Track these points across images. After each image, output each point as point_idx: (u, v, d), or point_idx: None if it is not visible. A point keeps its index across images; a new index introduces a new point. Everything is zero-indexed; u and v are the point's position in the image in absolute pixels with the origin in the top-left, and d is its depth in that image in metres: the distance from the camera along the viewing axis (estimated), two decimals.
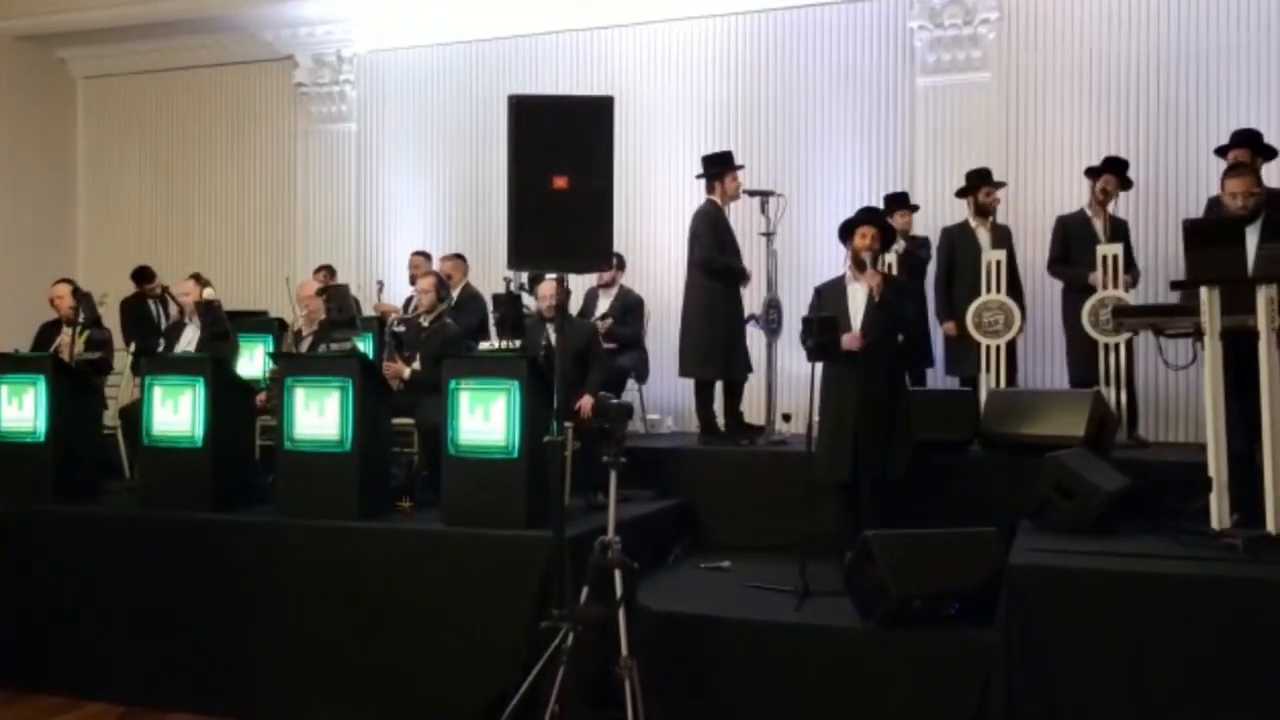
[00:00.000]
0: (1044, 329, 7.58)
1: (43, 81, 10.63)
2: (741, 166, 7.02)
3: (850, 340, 5.36)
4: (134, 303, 8.64)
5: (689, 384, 7.26)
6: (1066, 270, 6.78)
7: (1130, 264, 6.66)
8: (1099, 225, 6.63)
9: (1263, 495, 4.20)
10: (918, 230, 7.66)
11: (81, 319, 6.89)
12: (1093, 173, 6.77)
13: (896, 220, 7.10)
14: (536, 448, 4.91)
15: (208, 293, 7.16)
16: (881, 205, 7.25)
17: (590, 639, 4.09)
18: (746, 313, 6.95)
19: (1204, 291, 4.34)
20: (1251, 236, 4.83)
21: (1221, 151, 6.41)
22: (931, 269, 7.53)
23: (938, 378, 7.45)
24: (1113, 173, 6.70)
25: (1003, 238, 7.01)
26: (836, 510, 5.50)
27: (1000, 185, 7.18)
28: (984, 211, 7.02)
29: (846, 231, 5.61)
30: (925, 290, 7.43)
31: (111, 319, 8.16)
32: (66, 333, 6.85)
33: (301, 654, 5.10)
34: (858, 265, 5.49)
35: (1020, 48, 7.96)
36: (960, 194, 7.18)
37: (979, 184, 7.05)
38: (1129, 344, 6.39)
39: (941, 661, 4.22)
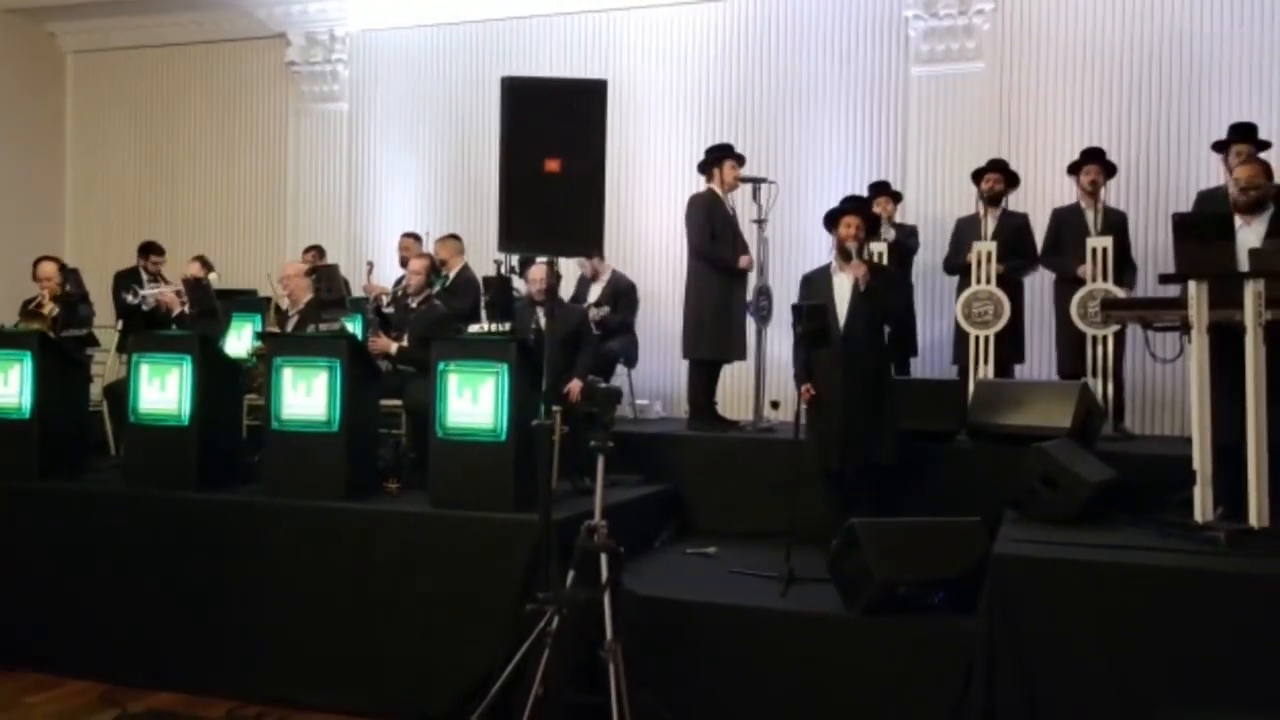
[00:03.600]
0: (1036, 319, 7.61)
1: (32, 55, 10.55)
2: (742, 158, 7.01)
3: (806, 393, 5.43)
4: (127, 275, 8.59)
5: (678, 369, 7.26)
6: (1055, 260, 6.79)
7: (1126, 261, 6.64)
8: (1091, 218, 6.64)
9: (1246, 489, 4.22)
10: (907, 219, 7.67)
11: (67, 292, 6.89)
12: (1074, 168, 6.77)
13: (879, 208, 7.12)
14: (524, 431, 4.90)
15: (212, 277, 7.17)
16: (867, 194, 7.27)
17: (575, 622, 4.10)
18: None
19: (1192, 285, 4.36)
20: (1258, 227, 4.84)
21: (1218, 146, 6.43)
22: (921, 258, 7.55)
23: (940, 368, 7.45)
24: (1094, 163, 6.71)
25: (1008, 226, 6.95)
26: (823, 497, 5.52)
27: (1009, 176, 7.12)
28: (988, 200, 6.99)
29: (831, 221, 5.63)
30: (913, 279, 7.46)
31: (103, 290, 8.16)
32: (49, 305, 6.86)
33: (286, 633, 5.10)
34: (843, 255, 5.50)
35: (1014, 38, 7.96)
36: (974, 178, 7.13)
37: (984, 172, 7.04)
38: (1119, 336, 6.39)
39: (925, 649, 4.24)
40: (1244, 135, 6.29)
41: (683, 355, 7.03)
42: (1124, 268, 6.60)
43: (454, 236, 8.32)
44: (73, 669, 5.38)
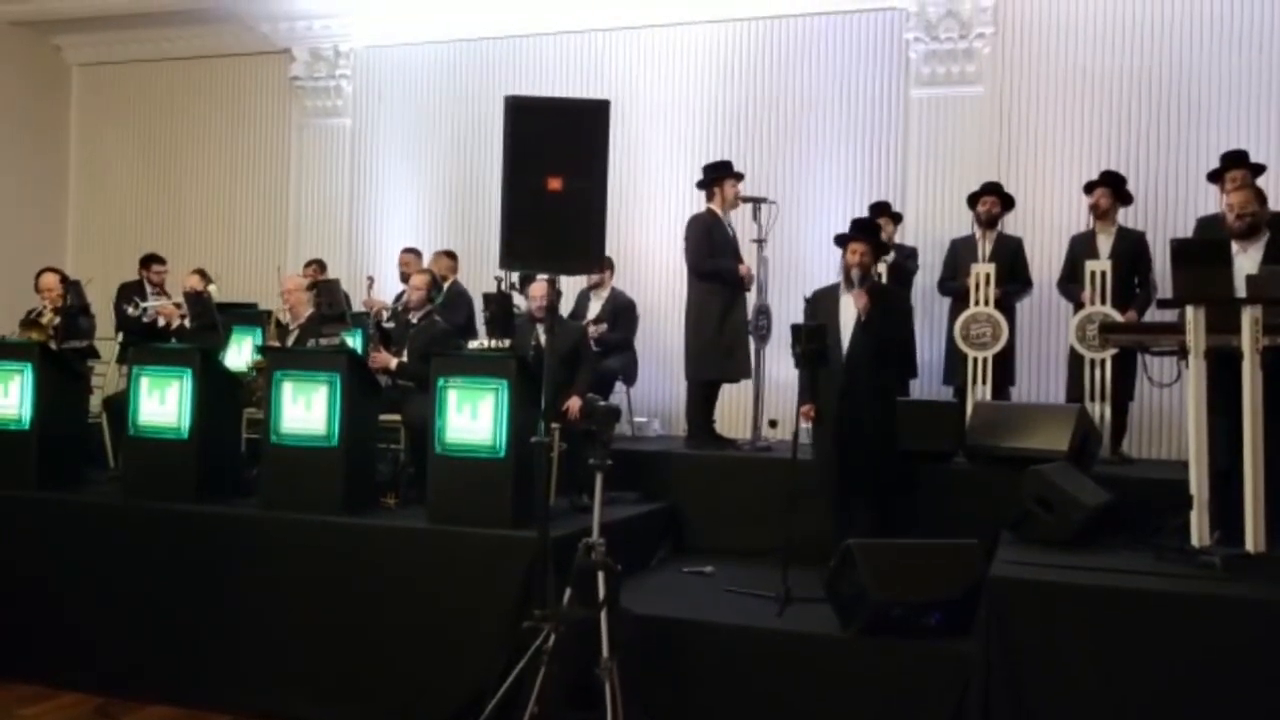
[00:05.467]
0: (1038, 341, 7.63)
1: (37, 67, 10.59)
2: (741, 175, 7.03)
3: (806, 413, 5.45)
4: (130, 288, 8.61)
5: (677, 387, 7.26)
6: (1067, 288, 6.82)
7: (1143, 281, 6.63)
8: (1099, 241, 6.65)
9: (1243, 514, 4.22)
10: (907, 241, 7.69)
11: (69, 304, 6.90)
12: (1090, 187, 6.81)
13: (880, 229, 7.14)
14: (523, 448, 4.91)
15: (211, 289, 7.19)
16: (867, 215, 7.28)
17: (571, 640, 4.10)
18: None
19: (1189, 310, 4.37)
20: (1254, 254, 4.87)
21: (1213, 176, 6.46)
22: (920, 280, 7.57)
23: (932, 388, 7.47)
24: (1105, 186, 6.72)
25: (1003, 249, 6.99)
26: (820, 517, 5.52)
27: (1004, 198, 7.15)
28: (984, 223, 7.02)
29: (841, 243, 5.64)
30: (912, 301, 7.46)
31: (105, 302, 8.19)
32: (50, 316, 6.88)
33: (282, 647, 5.10)
34: (848, 281, 5.51)
35: (1014, 62, 8.00)
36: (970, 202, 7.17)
37: (979, 195, 7.08)
38: (1122, 360, 6.37)
39: (920, 671, 4.24)
40: (1237, 162, 6.32)
41: (686, 377, 7.02)
42: (1138, 288, 6.59)
43: (448, 253, 8.37)
44: (68, 681, 5.37)
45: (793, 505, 5.05)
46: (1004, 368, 6.78)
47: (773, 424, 6.98)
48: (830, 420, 5.45)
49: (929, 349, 7.61)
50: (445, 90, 9.56)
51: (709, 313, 6.79)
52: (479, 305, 7.70)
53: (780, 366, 7.28)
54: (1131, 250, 6.64)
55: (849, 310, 5.49)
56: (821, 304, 5.65)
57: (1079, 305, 6.57)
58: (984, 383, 6.62)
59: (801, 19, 8.52)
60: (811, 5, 8.44)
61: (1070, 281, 6.79)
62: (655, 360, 8.16)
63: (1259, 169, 6.32)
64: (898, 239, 7.53)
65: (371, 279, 8.73)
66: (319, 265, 8.76)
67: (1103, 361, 6.40)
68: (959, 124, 8.01)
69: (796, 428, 5.37)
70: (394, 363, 6.21)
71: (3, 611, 5.57)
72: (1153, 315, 6.50)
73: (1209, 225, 6.20)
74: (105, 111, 10.82)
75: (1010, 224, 7.25)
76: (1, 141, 10.15)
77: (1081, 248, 6.74)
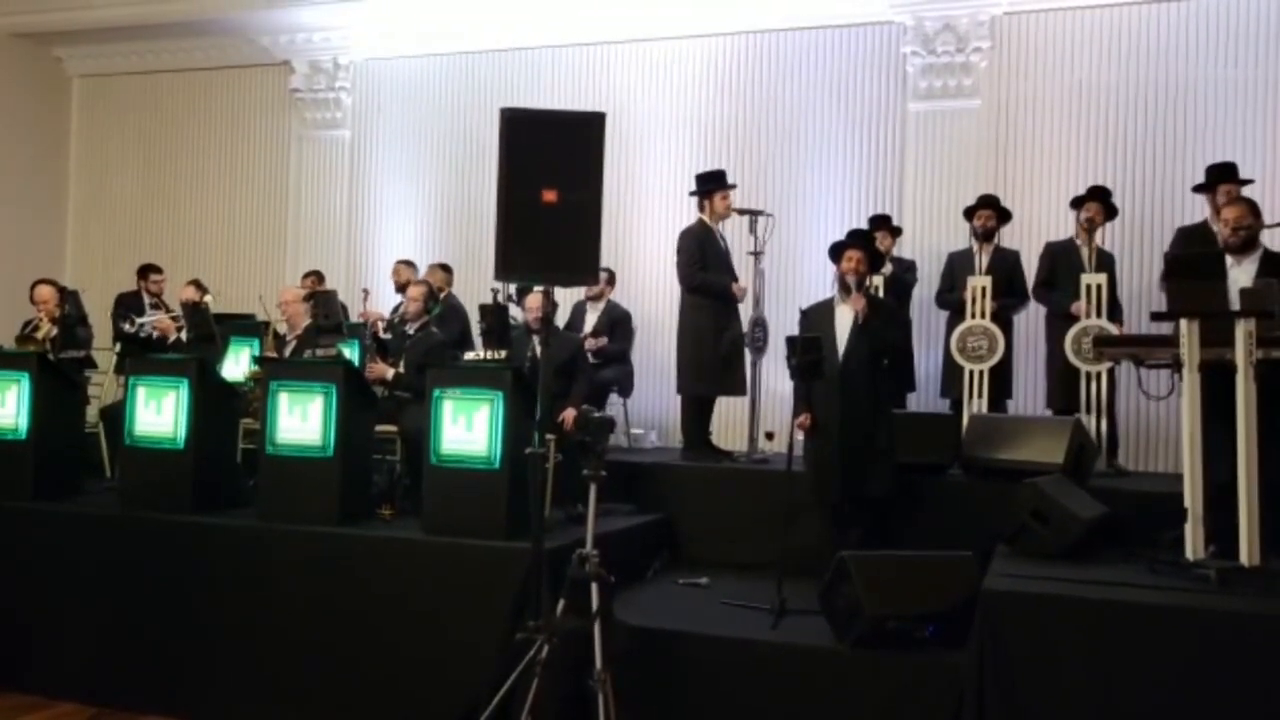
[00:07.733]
0: (1035, 354, 7.64)
1: (38, 79, 10.63)
2: (733, 186, 7.05)
3: (801, 423, 5.45)
4: (128, 299, 8.64)
5: (673, 399, 7.26)
6: (1049, 295, 6.83)
7: (1113, 301, 6.69)
8: (1086, 254, 6.67)
9: (1238, 527, 4.23)
10: (905, 254, 7.71)
11: (67, 313, 6.91)
12: (1078, 202, 6.83)
13: (878, 243, 7.14)
14: (518, 459, 4.92)
15: (207, 299, 7.22)
16: (866, 227, 7.30)
17: (565, 651, 4.10)
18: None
19: (1183, 324, 4.38)
20: (1248, 267, 4.89)
21: (1200, 189, 6.48)
22: (918, 293, 7.59)
23: (929, 401, 7.47)
24: (1097, 201, 6.75)
25: (1000, 262, 7.02)
26: (816, 529, 5.52)
27: (1000, 212, 7.18)
28: (981, 236, 7.04)
29: (836, 253, 5.66)
30: (910, 314, 7.48)
31: (103, 312, 8.20)
32: (46, 326, 6.90)
33: (276, 658, 5.09)
34: (843, 288, 5.54)
35: (1010, 76, 8.04)
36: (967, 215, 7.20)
37: (977, 208, 7.10)
38: (1111, 373, 6.41)
39: (914, 683, 4.24)
40: (1225, 175, 6.34)
41: (678, 391, 7.01)
42: (1115, 307, 6.64)
43: (443, 266, 8.39)
44: (63, 691, 5.37)
45: (789, 517, 5.05)
46: (1000, 380, 6.80)
47: (769, 436, 6.97)
48: (827, 431, 5.45)
49: (926, 362, 7.62)
50: (444, 103, 9.60)
51: (703, 327, 6.77)
52: (474, 317, 7.70)
53: (776, 379, 7.30)
54: (1110, 265, 6.69)
55: (844, 320, 5.52)
56: (814, 318, 5.66)
57: (1064, 313, 6.57)
58: (980, 395, 6.62)
59: (799, 33, 8.57)
60: (809, 19, 8.49)
61: (1048, 288, 6.80)
62: (651, 372, 8.17)
63: (1245, 183, 6.34)
64: (895, 252, 7.55)
65: (366, 291, 8.74)
66: (317, 276, 8.78)
67: (1097, 374, 6.41)
68: (956, 137, 8.05)
69: (791, 440, 5.38)
70: (390, 374, 6.22)
71: None
72: (1134, 328, 6.52)
73: (1192, 235, 6.21)
74: (105, 123, 10.86)
75: (1007, 237, 7.27)
76: (2, 152, 10.19)
77: (1070, 259, 6.73)
